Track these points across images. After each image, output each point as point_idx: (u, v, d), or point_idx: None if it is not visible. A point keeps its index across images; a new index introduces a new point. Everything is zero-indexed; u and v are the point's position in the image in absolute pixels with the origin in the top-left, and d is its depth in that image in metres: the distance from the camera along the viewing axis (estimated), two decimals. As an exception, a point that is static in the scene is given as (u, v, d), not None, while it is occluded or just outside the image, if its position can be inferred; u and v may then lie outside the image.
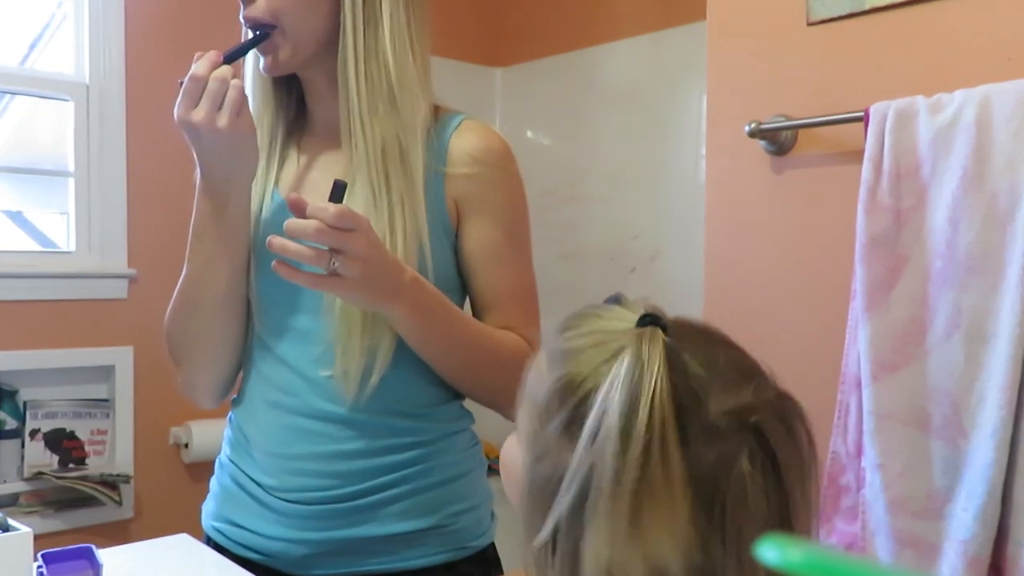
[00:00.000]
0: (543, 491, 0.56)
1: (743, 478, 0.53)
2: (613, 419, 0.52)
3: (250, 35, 1.02)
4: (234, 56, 0.99)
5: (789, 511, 0.55)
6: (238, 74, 0.97)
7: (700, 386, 0.54)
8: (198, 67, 0.95)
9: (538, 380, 0.59)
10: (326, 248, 0.87)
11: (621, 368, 0.53)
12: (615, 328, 0.58)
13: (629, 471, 0.51)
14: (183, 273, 1.05)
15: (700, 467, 0.53)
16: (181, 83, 0.95)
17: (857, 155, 1.26)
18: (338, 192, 0.88)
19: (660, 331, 0.56)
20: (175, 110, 0.95)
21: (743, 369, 0.57)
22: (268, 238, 0.88)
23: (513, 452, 0.64)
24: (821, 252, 1.35)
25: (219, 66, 0.95)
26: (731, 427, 0.54)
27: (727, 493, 0.53)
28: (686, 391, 0.54)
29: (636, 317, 0.58)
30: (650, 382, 0.52)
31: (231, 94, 0.95)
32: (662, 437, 0.51)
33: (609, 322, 0.59)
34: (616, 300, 0.62)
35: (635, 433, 0.51)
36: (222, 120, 0.94)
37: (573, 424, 0.55)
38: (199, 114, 0.94)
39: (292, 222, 0.87)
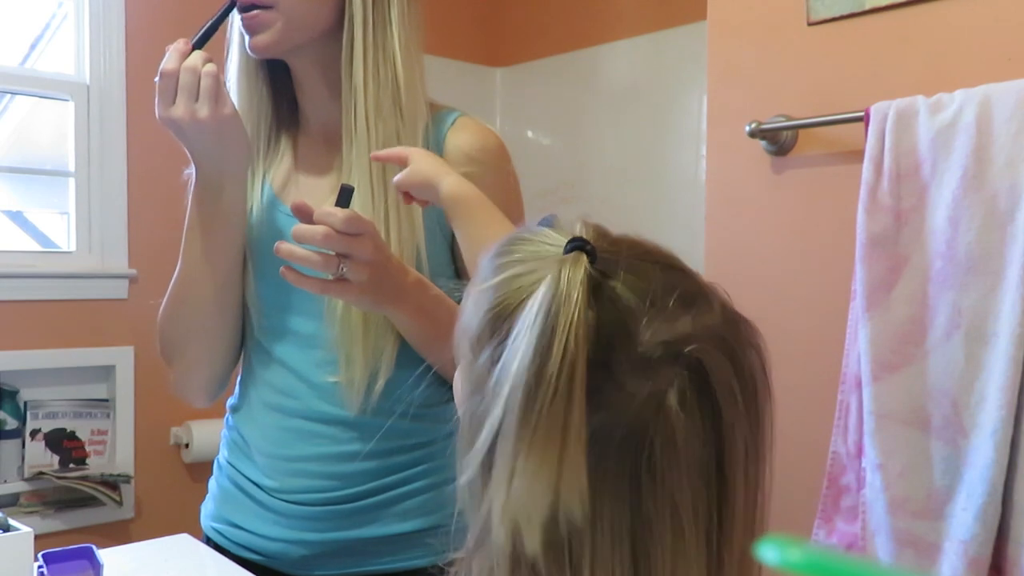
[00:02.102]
0: (471, 427, 0.52)
1: (670, 417, 0.49)
2: (525, 357, 0.48)
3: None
4: (203, 39, 0.97)
5: (724, 455, 0.51)
6: (212, 58, 0.95)
7: (629, 316, 0.50)
8: (167, 62, 0.93)
9: (472, 308, 0.55)
10: (333, 253, 0.87)
11: (535, 302, 0.49)
12: (543, 253, 0.53)
13: (535, 413, 0.47)
14: (177, 269, 1.04)
15: (628, 407, 0.49)
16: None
17: (857, 155, 1.26)
18: (345, 197, 0.88)
19: (584, 257, 0.51)
20: (156, 110, 0.94)
21: (684, 294, 0.52)
22: (275, 244, 0.88)
23: (457, 385, 0.61)
24: (821, 252, 1.35)
25: (188, 55, 0.94)
26: (662, 360, 0.49)
27: (654, 435, 0.49)
28: (613, 323, 0.50)
29: (563, 241, 0.53)
30: (566, 317, 0.48)
31: (205, 83, 0.93)
32: (570, 378, 0.47)
33: (539, 247, 0.54)
34: (549, 223, 0.57)
35: (546, 373, 0.47)
36: (202, 111, 0.93)
37: (497, 357, 0.51)
38: (178, 109, 0.93)
39: (300, 227, 0.86)
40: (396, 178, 0.92)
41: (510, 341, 0.50)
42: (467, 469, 0.52)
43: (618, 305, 0.50)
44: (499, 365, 0.50)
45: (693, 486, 0.50)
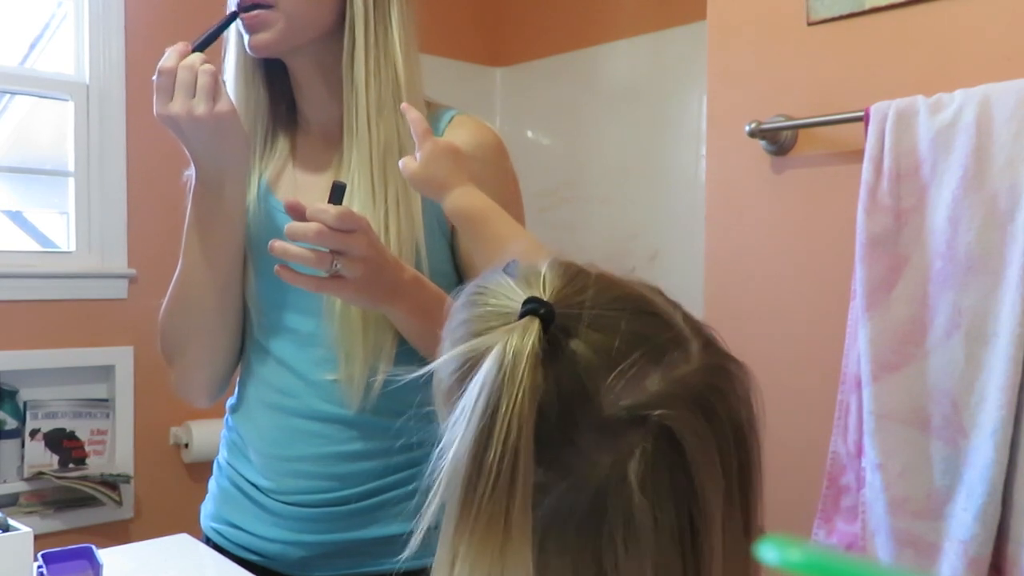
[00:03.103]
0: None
1: (632, 492, 0.45)
2: (464, 443, 0.45)
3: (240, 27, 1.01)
4: (204, 43, 0.97)
5: (697, 517, 0.47)
6: (212, 59, 0.96)
7: (590, 378, 0.47)
8: (165, 60, 0.94)
9: (442, 365, 0.53)
10: (327, 250, 0.87)
11: (477, 380, 0.46)
12: (502, 310, 0.50)
13: (474, 504, 0.45)
14: (178, 268, 1.04)
15: (591, 476, 0.46)
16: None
17: (857, 155, 1.26)
18: (338, 193, 0.88)
19: (537, 323, 0.47)
20: (153, 107, 0.95)
21: (655, 346, 0.48)
22: (269, 242, 0.88)
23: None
24: (821, 252, 1.35)
25: (187, 55, 0.94)
26: (626, 425, 0.46)
27: (616, 511, 0.46)
28: (571, 387, 0.46)
29: (523, 298, 0.49)
30: (509, 398, 0.45)
31: (202, 80, 0.93)
32: (512, 466, 0.44)
33: (499, 302, 0.51)
34: (512, 272, 0.53)
35: (486, 462, 0.44)
36: (199, 108, 0.93)
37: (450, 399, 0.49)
38: (175, 106, 0.93)
39: (293, 225, 0.86)
40: (407, 171, 0.91)
41: (450, 423, 0.47)
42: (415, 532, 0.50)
43: (577, 368, 0.47)
44: (439, 447, 0.47)
45: (663, 561, 0.47)
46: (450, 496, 0.46)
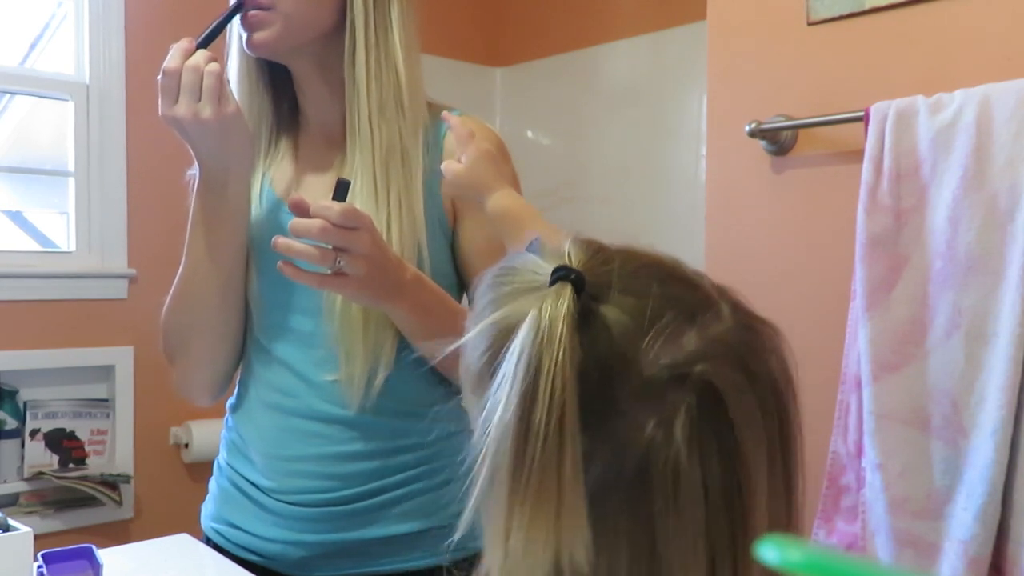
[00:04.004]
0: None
1: (679, 447, 0.45)
2: (509, 407, 0.45)
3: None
4: (208, 39, 0.96)
5: (741, 473, 0.47)
6: (216, 57, 0.95)
7: (626, 341, 0.46)
8: (170, 60, 0.93)
9: (470, 348, 0.52)
10: (330, 247, 0.87)
11: (516, 346, 0.46)
12: (530, 285, 0.50)
13: (525, 465, 0.44)
14: (181, 267, 1.04)
15: (636, 438, 0.46)
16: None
17: (857, 155, 1.26)
18: (342, 190, 0.88)
19: (569, 288, 0.47)
20: (159, 108, 0.94)
21: (687, 307, 0.48)
22: (273, 239, 0.88)
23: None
24: (821, 252, 1.35)
25: (191, 54, 0.94)
26: (668, 384, 0.46)
27: (665, 468, 0.45)
28: (608, 352, 0.46)
29: (550, 269, 0.49)
30: (550, 359, 0.44)
31: (207, 82, 0.93)
32: (560, 423, 0.44)
33: (526, 277, 0.51)
34: (535, 249, 0.54)
35: (533, 421, 0.44)
36: (205, 111, 0.93)
37: (480, 380, 0.49)
38: (180, 108, 0.93)
39: (296, 221, 0.86)
40: (451, 174, 0.92)
41: (492, 390, 0.47)
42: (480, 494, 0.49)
43: (612, 332, 0.47)
44: (483, 416, 0.47)
45: (712, 519, 0.46)
46: (499, 465, 0.45)
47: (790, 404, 0.50)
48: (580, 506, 0.44)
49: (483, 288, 0.54)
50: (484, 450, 0.47)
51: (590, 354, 0.46)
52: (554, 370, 0.44)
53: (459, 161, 0.92)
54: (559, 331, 0.45)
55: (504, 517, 0.45)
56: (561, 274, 0.48)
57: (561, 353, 0.45)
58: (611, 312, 0.48)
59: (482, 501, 0.47)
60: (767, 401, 0.48)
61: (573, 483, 0.44)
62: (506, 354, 0.47)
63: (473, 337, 0.52)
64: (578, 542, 0.44)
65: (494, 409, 0.46)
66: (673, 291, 0.50)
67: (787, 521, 0.49)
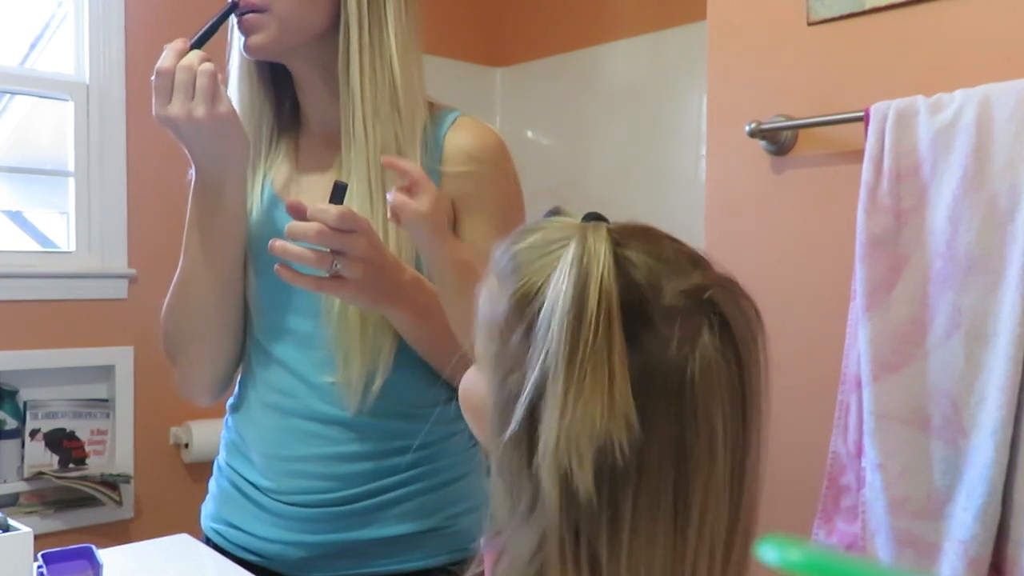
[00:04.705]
0: (506, 407, 0.55)
1: (706, 350, 0.54)
2: (564, 304, 0.52)
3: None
4: (202, 39, 0.96)
5: (746, 384, 0.56)
6: (210, 57, 0.95)
7: (650, 273, 0.55)
8: (163, 60, 0.93)
9: (492, 301, 0.59)
10: (327, 250, 0.87)
11: (568, 255, 0.53)
12: (559, 235, 0.58)
13: (580, 351, 0.51)
14: (179, 268, 1.04)
15: (666, 349, 0.53)
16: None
17: (857, 155, 1.26)
18: (339, 193, 0.88)
19: (604, 224, 0.57)
20: (152, 108, 0.94)
21: (689, 256, 0.58)
22: (270, 241, 0.88)
23: (472, 383, 0.63)
24: (821, 252, 1.35)
25: (185, 54, 0.94)
26: (689, 305, 0.54)
27: (693, 367, 0.53)
28: (640, 278, 0.55)
29: (578, 220, 0.59)
30: (597, 266, 0.52)
31: (201, 81, 0.92)
32: (608, 316, 0.51)
33: (552, 231, 0.59)
34: (555, 212, 0.62)
35: (586, 313, 0.51)
36: (198, 110, 0.93)
37: (531, 328, 0.55)
38: (174, 108, 0.93)
39: (293, 225, 0.86)
40: (412, 211, 0.87)
41: (548, 293, 0.54)
42: (503, 450, 0.55)
43: (638, 266, 0.55)
44: (537, 327, 0.54)
45: (725, 414, 0.54)
46: (554, 359, 0.52)
47: (763, 343, 0.58)
48: (627, 387, 0.51)
49: (503, 248, 0.60)
50: (531, 363, 0.54)
51: (625, 277, 0.54)
52: (602, 273, 0.52)
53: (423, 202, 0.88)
54: (603, 248, 0.53)
55: (560, 400, 0.51)
56: (593, 215, 0.58)
57: (606, 264, 0.53)
58: (632, 253, 0.56)
59: (536, 394, 0.53)
60: (752, 332, 0.57)
61: (622, 366, 0.51)
62: (548, 285, 0.54)
63: (497, 285, 0.59)
64: (623, 419, 0.51)
65: (550, 311, 0.53)
66: (677, 245, 0.59)
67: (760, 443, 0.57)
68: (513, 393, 0.55)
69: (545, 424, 0.52)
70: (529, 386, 0.53)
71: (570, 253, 0.54)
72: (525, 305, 0.55)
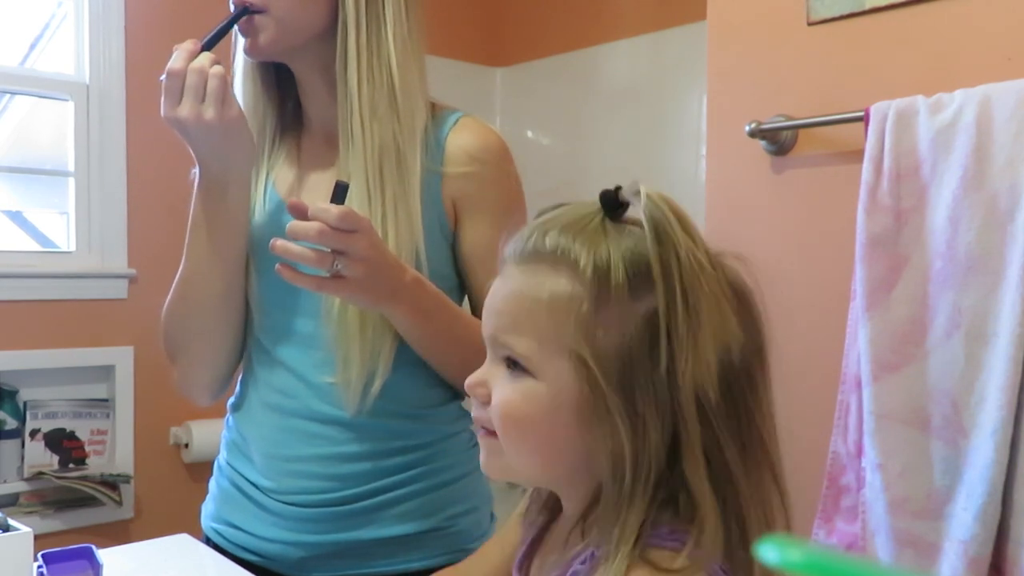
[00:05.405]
0: (629, 363, 0.61)
1: (720, 289, 0.65)
2: (667, 255, 0.62)
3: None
4: (212, 41, 0.96)
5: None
6: (221, 60, 0.95)
7: (689, 225, 0.66)
8: (174, 61, 0.93)
9: (549, 287, 0.64)
10: (328, 250, 0.87)
11: (645, 223, 0.62)
12: (585, 210, 0.66)
13: (693, 295, 0.61)
14: (181, 267, 1.05)
15: (696, 283, 0.63)
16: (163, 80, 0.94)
17: (857, 155, 1.26)
18: (340, 193, 0.88)
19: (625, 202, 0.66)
20: (161, 109, 0.95)
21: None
22: (271, 241, 0.88)
23: (520, 395, 0.64)
24: (821, 252, 1.35)
25: (196, 56, 0.94)
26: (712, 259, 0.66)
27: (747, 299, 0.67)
28: (689, 226, 0.65)
29: (594, 202, 0.66)
30: (669, 225, 0.63)
31: (212, 84, 0.93)
32: (701, 262, 0.62)
33: (576, 213, 0.66)
34: (559, 206, 0.68)
35: (694, 259, 0.62)
36: (208, 113, 0.93)
37: (632, 287, 0.62)
38: (184, 110, 0.93)
39: (294, 224, 0.86)
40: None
41: (671, 255, 0.62)
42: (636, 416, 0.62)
43: (682, 217, 0.66)
44: (630, 283, 0.62)
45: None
46: (677, 302, 0.61)
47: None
48: (729, 312, 0.64)
49: (524, 236, 0.66)
50: (657, 296, 0.62)
51: (684, 223, 0.65)
52: (676, 231, 0.64)
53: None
54: (666, 209, 0.64)
55: (689, 332, 0.61)
56: (615, 190, 0.66)
57: (674, 223, 0.64)
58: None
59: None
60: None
61: (724, 296, 0.64)
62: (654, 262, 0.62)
63: (550, 271, 0.64)
64: (732, 334, 0.63)
65: (669, 270, 0.62)
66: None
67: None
68: (622, 354, 0.61)
69: (678, 359, 0.60)
70: (662, 328, 0.60)
71: (644, 220, 0.63)
72: (606, 272, 0.62)
